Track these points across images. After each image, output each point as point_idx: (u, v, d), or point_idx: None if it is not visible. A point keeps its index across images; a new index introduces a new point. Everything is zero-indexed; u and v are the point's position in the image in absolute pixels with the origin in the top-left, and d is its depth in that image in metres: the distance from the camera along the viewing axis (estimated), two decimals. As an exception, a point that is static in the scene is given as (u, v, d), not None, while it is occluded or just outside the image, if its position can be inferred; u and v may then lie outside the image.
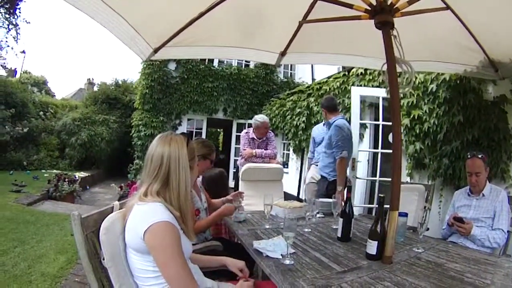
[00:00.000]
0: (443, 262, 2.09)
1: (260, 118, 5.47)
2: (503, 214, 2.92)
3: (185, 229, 1.66)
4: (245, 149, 5.53)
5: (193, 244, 1.96)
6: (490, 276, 1.83)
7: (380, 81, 5.66)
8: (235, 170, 7.74)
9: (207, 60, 12.58)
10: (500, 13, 2.78)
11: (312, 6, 3.03)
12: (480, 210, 3.03)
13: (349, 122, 5.11)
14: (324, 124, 4.95)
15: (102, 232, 1.54)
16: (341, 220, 2.44)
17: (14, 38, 13.38)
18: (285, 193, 5.79)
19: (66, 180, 8.62)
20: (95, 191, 11.01)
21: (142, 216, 1.52)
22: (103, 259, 1.55)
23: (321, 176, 4.55)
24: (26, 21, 13.49)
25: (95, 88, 20.51)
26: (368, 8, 2.27)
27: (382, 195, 2.12)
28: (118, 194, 9.09)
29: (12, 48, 13.74)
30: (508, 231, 2.95)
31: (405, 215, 2.57)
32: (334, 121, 4.40)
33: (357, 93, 5.26)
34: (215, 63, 12.90)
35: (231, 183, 7.20)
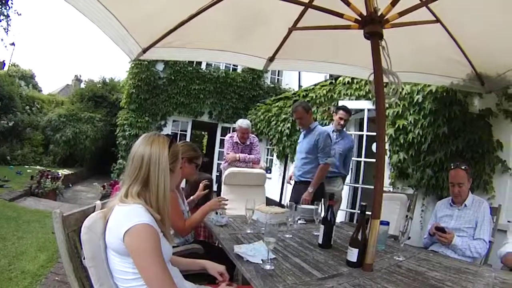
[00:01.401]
0: (423, 270, 2.11)
1: (242, 122, 5.52)
2: (484, 224, 2.94)
3: (164, 231, 1.65)
4: (228, 153, 5.55)
5: (174, 247, 1.95)
6: (471, 285, 1.86)
7: (367, 90, 5.73)
8: (218, 174, 7.76)
9: (195, 62, 12.59)
10: (489, 28, 2.84)
11: (302, 13, 3.05)
12: (462, 220, 3.05)
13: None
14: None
15: (83, 231, 1.52)
16: (322, 227, 2.46)
17: (4, 29, 13.05)
18: (267, 198, 5.81)
19: (49, 177, 8.49)
20: (78, 189, 10.85)
21: (123, 217, 1.50)
22: (84, 259, 1.53)
23: (301, 181, 4.58)
24: (17, 12, 13.17)
25: (82, 85, 20.37)
26: (358, 18, 2.28)
27: (364, 203, 2.14)
28: (100, 193, 9.03)
29: (1, 40, 13.35)
30: (489, 241, 2.98)
31: (387, 223, 2.60)
32: (315, 126, 4.51)
33: (343, 106, 5.37)
34: (203, 66, 12.93)
35: (214, 187, 7.22)
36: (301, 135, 4.76)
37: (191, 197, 3.39)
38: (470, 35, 3.05)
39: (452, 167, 3.17)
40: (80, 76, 23.97)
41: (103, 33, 2.73)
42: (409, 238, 3.61)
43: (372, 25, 2.25)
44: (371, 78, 2.26)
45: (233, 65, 13.02)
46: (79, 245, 1.59)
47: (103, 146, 14.39)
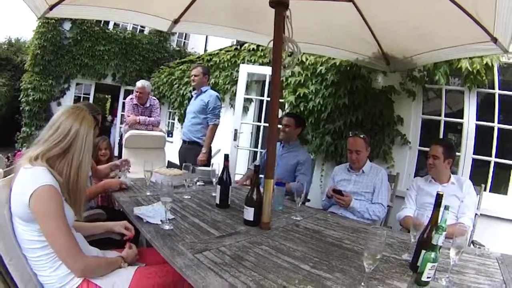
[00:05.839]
0: (321, 229, 2.25)
1: (139, 82, 5.51)
2: (382, 190, 3.12)
3: (69, 202, 1.65)
4: (129, 116, 5.50)
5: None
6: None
7: (271, 58, 5.79)
8: (119, 137, 7.65)
9: (102, 22, 11.92)
10: (399, 13, 2.97)
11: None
12: (360, 185, 3.20)
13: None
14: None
15: (-14, 203, 1.48)
16: (218, 187, 2.53)
17: None
18: (169, 162, 5.90)
19: (-49, 148, 7.70)
20: (-18, 161, 9.94)
21: (27, 181, 1.50)
22: None
23: (191, 141, 4.68)
24: None
25: (-11, 46, 18.24)
26: (267, -14, 2.28)
27: (257, 164, 2.25)
28: (5, 165, 8.35)
29: None
30: (388, 206, 3.20)
31: (283, 185, 2.73)
32: (207, 89, 4.66)
33: (245, 70, 5.44)
34: (110, 26, 12.32)
35: (116, 151, 7.12)
36: (193, 97, 4.85)
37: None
38: (382, 19, 3.17)
39: (351, 134, 3.31)
40: (-13, 36, 21.41)
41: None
42: (308, 200, 3.83)
43: (279, -5, 2.26)
44: (271, 45, 2.33)
45: (141, 27, 12.53)
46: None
47: (7, 114, 13.12)
